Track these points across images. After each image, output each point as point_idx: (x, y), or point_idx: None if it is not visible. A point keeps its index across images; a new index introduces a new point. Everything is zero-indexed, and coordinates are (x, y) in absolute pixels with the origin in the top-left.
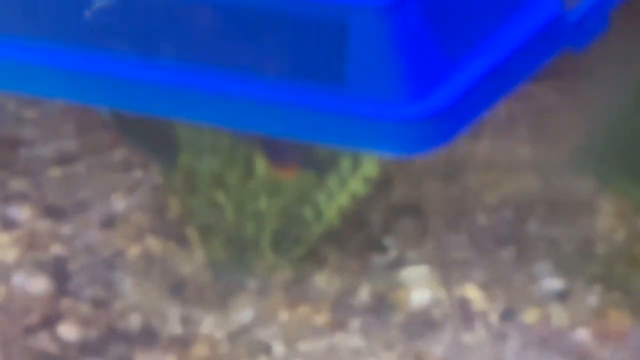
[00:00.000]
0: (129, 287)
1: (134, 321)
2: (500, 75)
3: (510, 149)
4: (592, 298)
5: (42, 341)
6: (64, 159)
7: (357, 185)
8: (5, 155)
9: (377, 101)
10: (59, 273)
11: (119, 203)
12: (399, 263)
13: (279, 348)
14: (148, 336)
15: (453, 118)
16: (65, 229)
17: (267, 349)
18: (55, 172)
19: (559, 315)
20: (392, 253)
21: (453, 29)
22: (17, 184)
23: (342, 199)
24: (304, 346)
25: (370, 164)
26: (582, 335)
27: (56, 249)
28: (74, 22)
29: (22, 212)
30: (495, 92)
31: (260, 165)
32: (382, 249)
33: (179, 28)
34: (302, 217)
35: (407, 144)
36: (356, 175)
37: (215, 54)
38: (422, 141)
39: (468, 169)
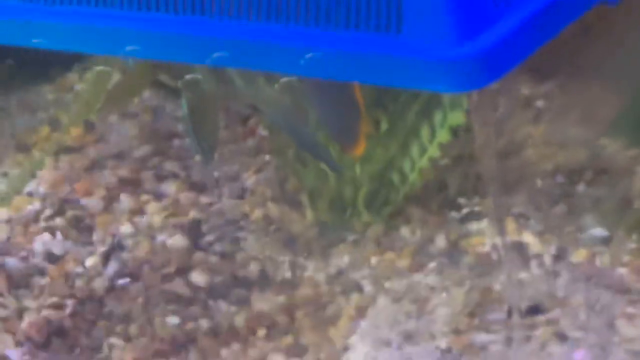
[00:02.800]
0: (250, 243)
1: (253, 269)
2: (542, 22)
3: (561, 131)
4: (631, 244)
5: (177, 286)
6: (201, 155)
7: (434, 151)
8: (162, 144)
9: (431, 44)
10: (194, 232)
11: (249, 179)
12: (470, 218)
13: (368, 287)
14: (263, 281)
15: (499, 58)
16: (204, 199)
17: (358, 288)
18: (200, 157)
19: (602, 257)
20: (464, 210)
21: None
22: (170, 166)
23: (423, 163)
24: (389, 284)
25: (445, 132)
26: (623, 273)
27: (194, 214)
28: None
29: (171, 187)
30: (537, 37)
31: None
32: (456, 207)
33: None
34: (390, 180)
35: (459, 82)
36: (434, 142)
37: (299, 13)
38: (472, 79)
39: (526, 146)
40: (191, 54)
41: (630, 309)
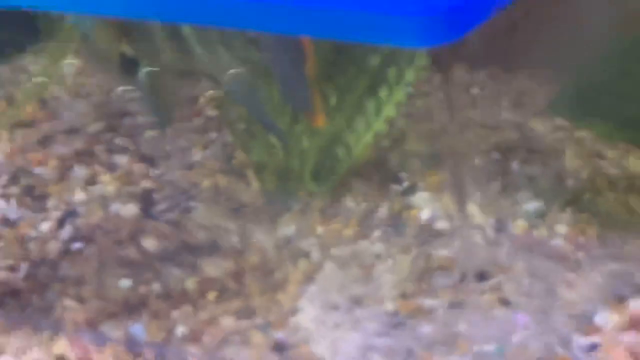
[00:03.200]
0: (199, 211)
1: (202, 236)
2: None
3: (496, 115)
4: (566, 217)
5: (129, 251)
6: (157, 125)
7: (380, 126)
8: (114, 122)
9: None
10: (146, 201)
11: (197, 154)
12: (411, 191)
13: (315, 254)
14: (212, 247)
15: (464, 17)
16: (154, 171)
17: (306, 255)
18: (150, 134)
19: (539, 229)
20: (406, 184)
21: None
22: (120, 141)
23: (368, 138)
24: (335, 252)
25: (391, 107)
26: (559, 243)
27: (145, 184)
28: None
29: (122, 159)
30: None
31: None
32: (397, 180)
33: None
34: (336, 154)
35: (428, 38)
36: (379, 117)
37: None
38: (440, 34)
39: (464, 128)
40: (162, 12)
41: (569, 275)
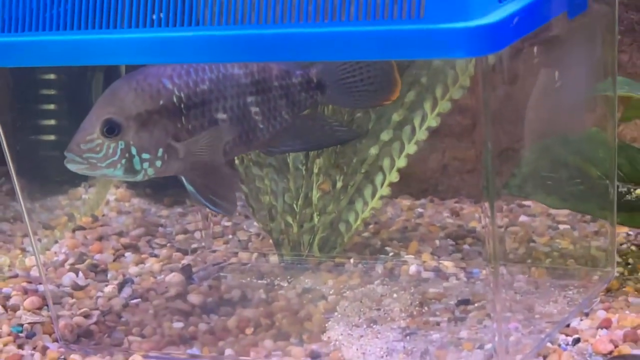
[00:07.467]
0: (230, 278)
1: (235, 293)
2: (529, 13)
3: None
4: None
5: (178, 303)
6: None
7: (376, 204)
8: (151, 230)
9: (448, 23)
10: (187, 272)
11: (221, 247)
12: (397, 256)
13: (331, 296)
14: (245, 300)
15: (499, 35)
16: (189, 257)
17: (324, 297)
18: (181, 237)
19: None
20: (392, 253)
21: None
22: (159, 241)
23: (365, 214)
24: (347, 294)
25: (385, 190)
26: (521, 283)
27: (184, 262)
28: None
29: (162, 251)
30: (527, 24)
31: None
32: (385, 252)
33: None
34: (338, 229)
35: (470, 50)
36: (375, 197)
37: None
38: (479, 48)
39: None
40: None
41: (538, 300)
